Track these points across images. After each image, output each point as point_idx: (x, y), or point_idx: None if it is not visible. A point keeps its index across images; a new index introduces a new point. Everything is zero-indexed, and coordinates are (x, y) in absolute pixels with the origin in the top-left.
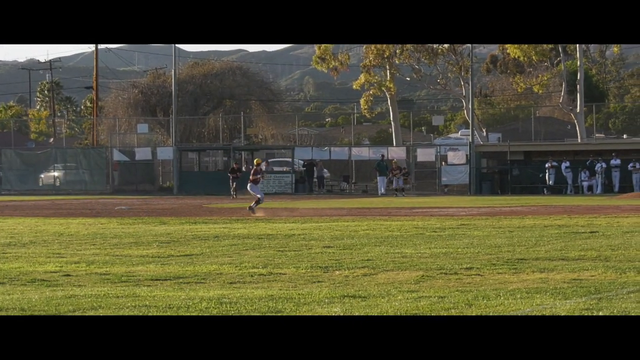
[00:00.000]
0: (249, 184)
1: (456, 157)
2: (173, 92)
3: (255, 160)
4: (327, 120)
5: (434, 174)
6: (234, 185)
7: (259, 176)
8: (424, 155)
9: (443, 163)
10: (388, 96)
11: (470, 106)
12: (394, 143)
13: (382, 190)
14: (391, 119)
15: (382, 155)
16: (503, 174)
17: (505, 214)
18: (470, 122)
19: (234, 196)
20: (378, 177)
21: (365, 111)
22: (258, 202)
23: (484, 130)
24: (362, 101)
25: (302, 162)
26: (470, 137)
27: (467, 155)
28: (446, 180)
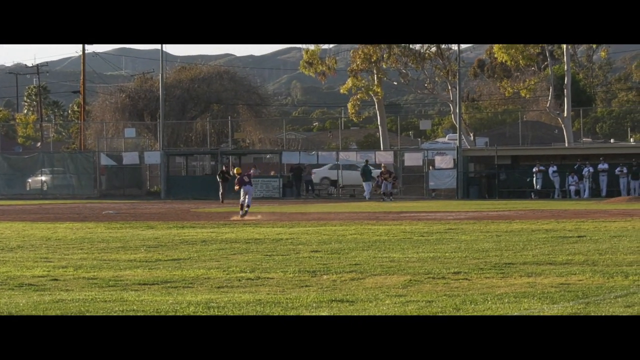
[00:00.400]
0: (245, 187)
1: (444, 161)
2: (160, 96)
3: (235, 170)
4: (314, 124)
5: (421, 178)
6: (222, 190)
7: (245, 177)
8: (412, 159)
9: (430, 167)
10: (375, 100)
11: (457, 110)
12: (382, 147)
13: (368, 195)
14: (378, 123)
15: (367, 160)
16: (490, 178)
17: (492, 219)
18: (457, 126)
19: (222, 201)
20: (364, 183)
21: (352, 115)
22: (247, 206)
23: (471, 134)
24: (349, 105)
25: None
26: (457, 142)
27: (454, 159)
28: (434, 184)
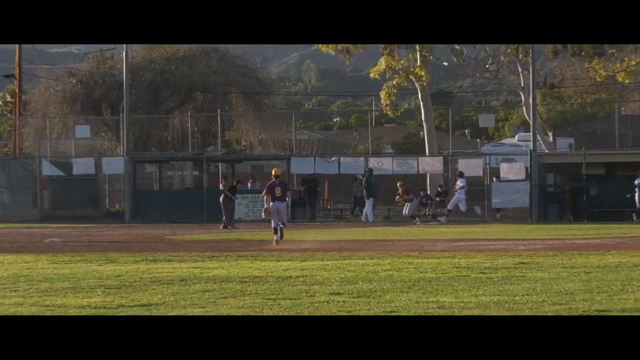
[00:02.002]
0: (279, 203)
1: (512, 170)
2: (124, 82)
3: (273, 171)
4: (334, 120)
5: (481, 194)
6: (231, 210)
7: (277, 188)
8: (468, 168)
9: (494, 179)
10: (418, 87)
11: (531, 101)
12: (427, 151)
13: (371, 217)
14: (423, 118)
15: (371, 170)
16: (576, 194)
17: (579, 249)
18: (531, 122)
19: (234, 225)
20: (366, 200)
21: (387, 108)
22: (282, 225)
23: (550, 133)
24: (382, 94)
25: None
26: (531, 144)
27: (526, 168)
28: (498, 202)
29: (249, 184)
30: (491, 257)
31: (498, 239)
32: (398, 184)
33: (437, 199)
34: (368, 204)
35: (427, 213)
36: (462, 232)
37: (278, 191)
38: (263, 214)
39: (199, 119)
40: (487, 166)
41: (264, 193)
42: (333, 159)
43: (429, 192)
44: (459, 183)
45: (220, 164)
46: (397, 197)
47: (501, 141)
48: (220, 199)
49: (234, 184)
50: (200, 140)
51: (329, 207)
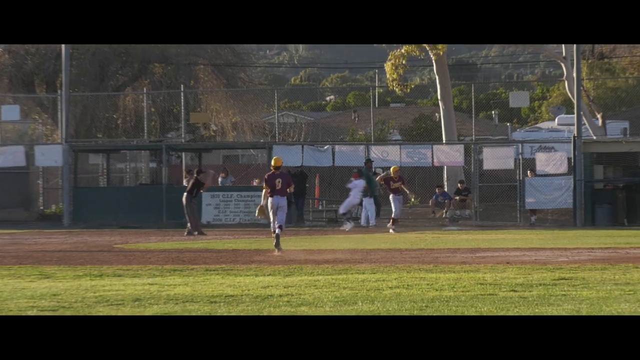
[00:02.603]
0: (280, 198)
1: (551, 162)
2: (63, 51)
3: (273, 161)
4: (328, 99)
5: (512, 192)
6: (196, 212)
7: (277, 179)
8: (496, 159)
9: (529, 173)
10: (433, 58)
11: (575, 75)
12: (444, 138)
13: (373, 220)
14: (438, 96)
15: (369, 161)
16: (632, 192)
17: (634, 261)
18: (575, 102)
19: (200, 231)
20: (365, 199)
21: (393, 84)
22: (279, 228)
23: (598, 115)
24: (388, 66)
25: None
26: (574, 128)
27: (569, 158)
28: (534, 202)
29: (219, 179)
30: (524, 271)
31: (533, 248)
32: (392, 168)
33: (457, 197)
34: (368, 204)
35: (443, 215)
36: (487, 239)
37: (279, 183)
38: (257, 213)
39: (157, 97)
40: (520, 157)
41: (263, 186)
42: (326, 147)
43: (446, 189)
44: (356, 182)
45: (183, 154)
46: (379, 176)
47: (537, 125)
48: (183, 199)
49: (196, 174)
50: (159, 125)
51: (320, 207)
